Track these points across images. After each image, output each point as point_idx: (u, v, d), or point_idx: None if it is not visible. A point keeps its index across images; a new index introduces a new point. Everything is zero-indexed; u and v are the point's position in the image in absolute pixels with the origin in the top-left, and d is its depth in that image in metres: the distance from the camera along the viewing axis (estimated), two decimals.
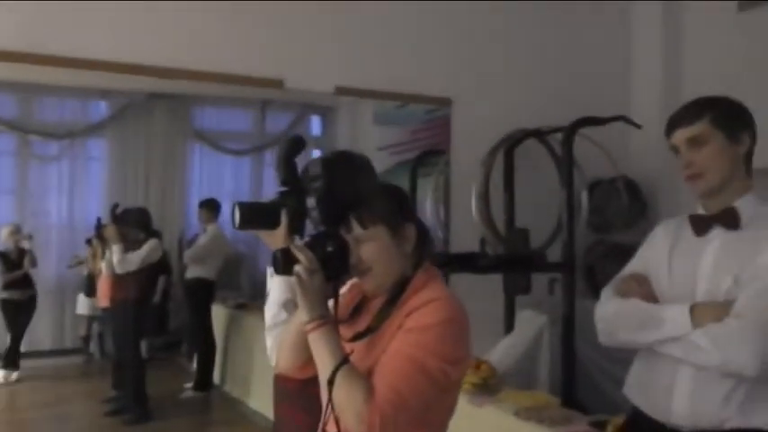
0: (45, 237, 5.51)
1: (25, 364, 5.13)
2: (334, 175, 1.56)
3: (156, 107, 5.56)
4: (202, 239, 5.28)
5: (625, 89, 4.46)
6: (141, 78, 3.43)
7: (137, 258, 4.67)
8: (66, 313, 5.58)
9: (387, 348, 1.43)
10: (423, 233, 1.55)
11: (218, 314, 5.34)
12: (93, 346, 5.76)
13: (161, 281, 5.16)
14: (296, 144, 1.75)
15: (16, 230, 5.18)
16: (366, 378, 1.39)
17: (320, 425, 1.47)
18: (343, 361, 1.39)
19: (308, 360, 1.56)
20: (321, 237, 1.49)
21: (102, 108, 5.88)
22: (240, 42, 3.57)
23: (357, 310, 1.58)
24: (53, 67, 3.17)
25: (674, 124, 1.81)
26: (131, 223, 4.77)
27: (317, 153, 5.66)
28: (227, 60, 3.54)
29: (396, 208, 1.53)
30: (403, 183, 4.93)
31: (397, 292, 1.48)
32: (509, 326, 3.76)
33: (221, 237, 5.23)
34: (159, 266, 4.93)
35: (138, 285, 4.69)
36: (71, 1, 3.25)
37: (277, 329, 1.72)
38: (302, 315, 1.45)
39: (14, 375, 5.02)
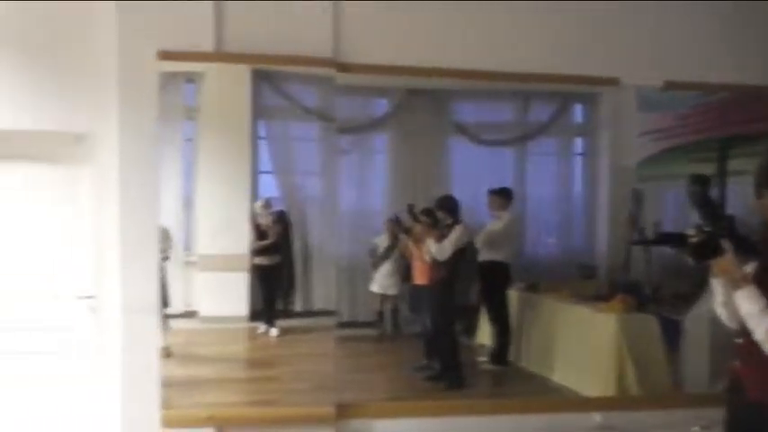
0: (338, 220, 6.08)
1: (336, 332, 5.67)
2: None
3: (420, 103, 5.90)
4: (496, 225, 5.65)
5: None
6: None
7: (449, 245, 5.21)
8: (357, 289, 6.16)
9: None
10: None
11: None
12: (386, 322, 6.28)
13: None
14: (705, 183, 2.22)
15: (267, 205, 5.58)
16: None
17: None
18: None
19: None
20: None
21: (383, 105, 6.36)
22: (580, 46, 3.95)
23: None
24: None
25: None
26: (441, 209, 5.30)
27: (578, 140, 5.93)
28: (567, 63, 3.93)
29: None
30: (673, 169, 5.03)
31: None
32: None
33: (517, 222, 5.62)
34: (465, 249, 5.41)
35: (450, 267, 5.24)
36: None
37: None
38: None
39: (273, 331, 5.35)
